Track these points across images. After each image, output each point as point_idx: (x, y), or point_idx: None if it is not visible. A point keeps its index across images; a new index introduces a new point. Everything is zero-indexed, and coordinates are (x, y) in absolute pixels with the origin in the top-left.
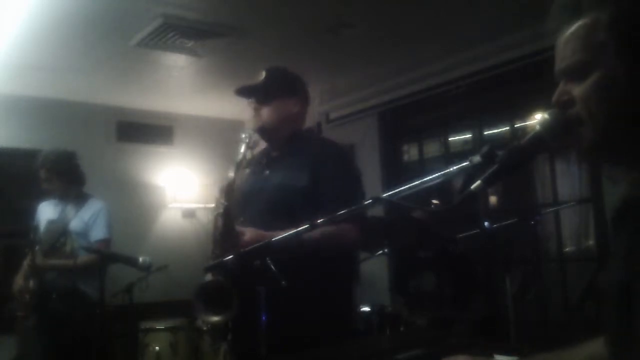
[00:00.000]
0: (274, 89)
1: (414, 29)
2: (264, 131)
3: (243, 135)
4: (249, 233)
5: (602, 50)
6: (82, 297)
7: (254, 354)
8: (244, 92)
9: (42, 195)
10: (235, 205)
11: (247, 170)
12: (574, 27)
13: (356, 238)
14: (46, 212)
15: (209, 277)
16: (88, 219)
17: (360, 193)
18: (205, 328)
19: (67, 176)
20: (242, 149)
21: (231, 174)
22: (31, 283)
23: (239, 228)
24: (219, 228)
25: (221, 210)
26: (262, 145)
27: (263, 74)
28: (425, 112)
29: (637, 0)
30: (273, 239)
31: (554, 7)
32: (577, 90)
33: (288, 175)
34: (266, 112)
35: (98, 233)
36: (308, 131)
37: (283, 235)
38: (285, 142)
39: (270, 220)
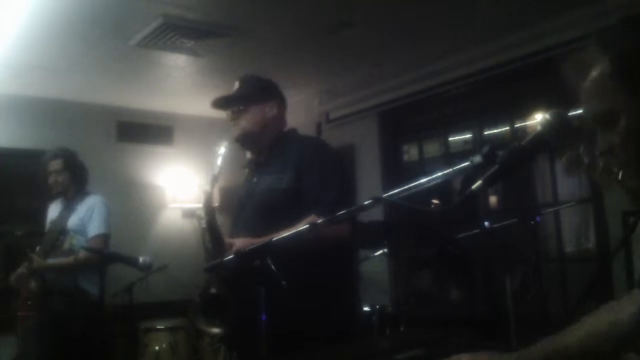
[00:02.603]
0: (249, 96)
1: (413, 29)
2: (245, 139)
3: (219, 149)
4: (237, 243)
5: (618, 96)
6: (83, 296)
7: (254, 354)
8: (220, 103)
9: (44, 195)
10: (232, 213)
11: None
12: (587, 81)
13: (346, 232)
14: (52, 212)
15: (212, 285)
16: (84, 215)
17: (340, 177)
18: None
19: (77, 172)
20: (219, 162)
21: (208, 188)
22: (33, 284)
23: (227, 240)
24: (207, 242)
25: (204, 226)
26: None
27: (237, 84)
28: (425, 112)
29: (633, 45)
30: (267, 240)
31: (567, 71)
32: (613, 136)
33: (273, 178)
34: (244, 119)
35: (94, 229)
36: (290, 132)
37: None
38: (269, 146)
39: (261, 224)
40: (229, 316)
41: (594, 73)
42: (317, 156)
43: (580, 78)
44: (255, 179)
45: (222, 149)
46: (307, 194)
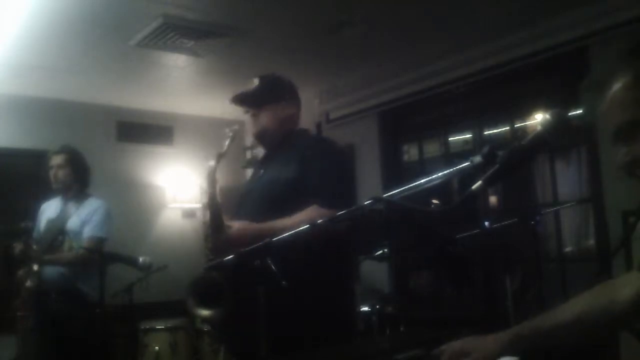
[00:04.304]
0: (269, 95)
1: (414, 29)
2: (263, 136)
3: (227, 130)
4: (236, 225)
5: None
6: (81, 297)
7: (254, 354)
8: (238, 99)
9: (45, 195)
10: (234, 205)
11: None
12: (610, 95)
13: (342, 227)
14: (48, 211)
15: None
16: (85, 217)
17: (341, 169)
18: (205, 329)
19: (79, 171)
20: (227, 142)
21: (212, 163)
22: (29, 282)
23: (227, 222)
24: (208, 220)
25: (206, 200)
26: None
27: (256, 81)
28: (425, 112)
29: None
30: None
31: (587, 85)
32: (637, 147)
33: (278, 170)
34: (264, 117)
35: (91, 230)
36: (302, 130)
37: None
38: (281, 142)
39: (262, 212)
40: (220, 298)
41: (616, 86)
42: (319, 150)
43: (601, 92)
44: (261, 171)
45: (229, 131)
46: (309, 184)
